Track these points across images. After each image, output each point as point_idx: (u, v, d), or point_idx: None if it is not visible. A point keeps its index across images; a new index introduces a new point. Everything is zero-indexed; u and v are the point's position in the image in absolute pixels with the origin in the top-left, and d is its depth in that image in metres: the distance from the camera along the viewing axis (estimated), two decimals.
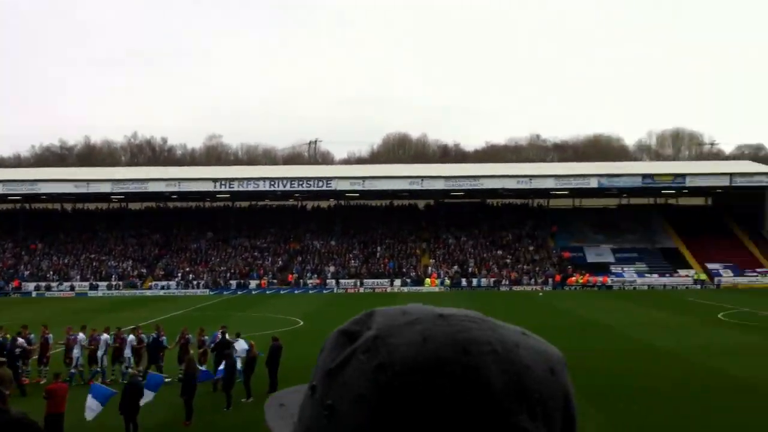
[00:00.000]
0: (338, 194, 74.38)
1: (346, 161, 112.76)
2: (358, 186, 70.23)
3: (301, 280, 66.40)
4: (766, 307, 44.42)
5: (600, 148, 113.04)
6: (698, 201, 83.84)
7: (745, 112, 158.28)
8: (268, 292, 63.19)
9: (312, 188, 70.08)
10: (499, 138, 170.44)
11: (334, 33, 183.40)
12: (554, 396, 0.90)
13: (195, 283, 65.57)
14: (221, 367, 19.81)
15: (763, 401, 18.38)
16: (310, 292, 63.33)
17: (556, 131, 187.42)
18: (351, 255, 70.76)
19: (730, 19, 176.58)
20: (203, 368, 20.91)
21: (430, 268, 68.39)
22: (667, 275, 66.82)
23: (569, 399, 0.92)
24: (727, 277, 66.04)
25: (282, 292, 63.21)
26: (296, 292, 63.29)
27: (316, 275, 67.19)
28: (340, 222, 74.91)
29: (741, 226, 75.39)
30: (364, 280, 65.71)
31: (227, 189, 70.29)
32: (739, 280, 65.52)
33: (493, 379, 0.86)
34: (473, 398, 0.84)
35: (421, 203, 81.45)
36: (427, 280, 65.75)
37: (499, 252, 71.42)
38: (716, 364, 23.82)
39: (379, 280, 66.02)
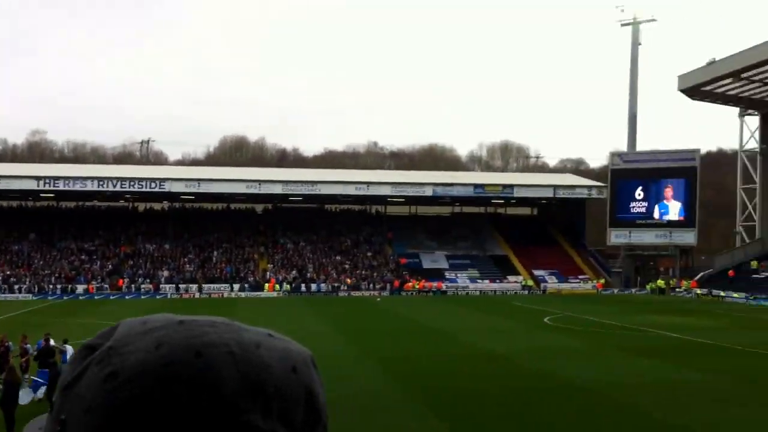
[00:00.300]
0: (172, 196, 72.13)
1: (181, 162, 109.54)
2: (193, 188, 68.46)
3: (133, 285, 63.79)
4: (587, 311, 47.21)
5: (435, 158, 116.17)
6: (525, 211, 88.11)
7: (566, 128, 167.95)
8: (96, 297, 60.20)
9: (144, 189, 67.57)
10: (338, 144, 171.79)
11: (169, 30, 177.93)
12: (295, 393, 0.93)
13: (17, 287, 61.45)
14: (42, 376, 18.77)
15: (588, 401, 19.30)
16: (143, 297, 60.93)
17: (393, 140, 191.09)
18: (186, 259, 68.76)
19: (553, 42, 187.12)
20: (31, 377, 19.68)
21: (268, 273, 67.67)
22: (498, 281, 69.69)
23: (313, 394, 0.96)
24: (552, 283, 69.75)
25: (112, 297, 60.46)
26: (128, 297, 60.70)
27: (148, 280, 64.74)
28: (173, 225, 72.60)
29: (563, 236, 79.88)
30: (203, 286, 64.05)
31: (51, 188, 66.36)
32: (563, 286, 69.37)
33: (226, 379, 0.87)
34: (205, 399, 0.85)
35: (258, 207, 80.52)
36: (266, 285, 65.02)
37: (338, 257, 71.79)
38: (544, 367, 24.80)
39: (216, 285, 64.56)
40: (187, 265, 67.69)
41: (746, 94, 66.51)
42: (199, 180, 68.81)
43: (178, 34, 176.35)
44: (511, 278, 70.63)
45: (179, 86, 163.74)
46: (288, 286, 65.03)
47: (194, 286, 63.70)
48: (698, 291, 63.81)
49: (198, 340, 0.90)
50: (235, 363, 0.89)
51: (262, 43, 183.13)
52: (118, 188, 66.89)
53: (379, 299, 60.70)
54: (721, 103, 70.66)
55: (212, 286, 64.32)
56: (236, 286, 64.49)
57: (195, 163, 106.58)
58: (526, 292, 67.62)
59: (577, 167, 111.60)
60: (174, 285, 63.86)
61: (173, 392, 0.84)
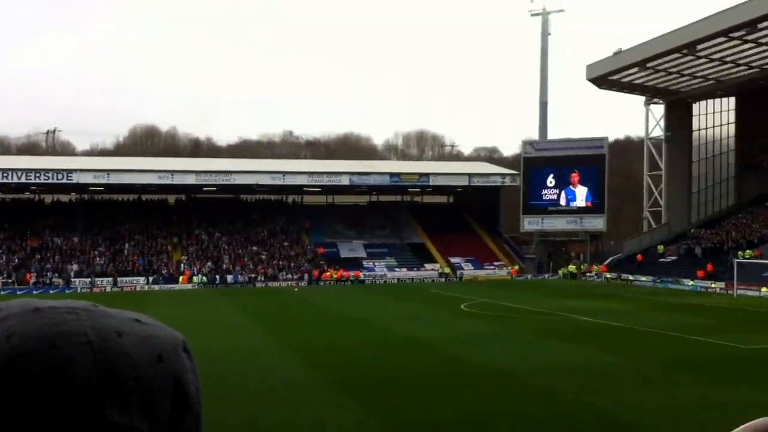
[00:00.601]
0: (80, 188, 69.82)
1: (89, 153, 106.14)
2: (103, 179, 66.40)
3: (41, 280, 61.63)
4: (502, 297, 48.08)
5: (350, 147, 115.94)
6: (441, 199, 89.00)
7: (480, 117, 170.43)
8: (3, 292, 57.88)
9: (50, 181, 65.07)
10: (252, 133, 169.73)
11: (76, 15, 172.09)
12: (161, 384, 0.86)
13: None
14: None
15: (505, 386, 19.62)
16: (52, 292, 58.96)
17: (308, 129, 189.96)
18: (96, 252, 66.78)
19: (467, 31, 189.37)
20: None
21: (182, 265, 66.41)
22: (415, 269, 70.24)
23: (182, 384, 0.90)
24: (468, 270, 70.73)
25: (20, 293, 58.24)
26: (35, 292, 58.59)
27: (57, 274, 62.65)
28: (83, 217, 70.33)
29: (479, 223, 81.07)
30: (118, 279, 62.34)
31: None
32: (479, 272, 70.43)
33: (81, 372, 0.80)
34: (58, 394, 0.78)
35: (171, 198, 78.83)
36: (180, 277, 63.81)
37: (254, 248, 71.00)
38: (461, 352, 25.12)
39: (129, 279, 62.94)
40: (98, 258, 65.78)
41: (651, 83, 68.66)
42: (108, 171, 66.84)
43: (80, 22, 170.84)
44: (428, 266, 71.26)
45: (84, 75, 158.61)
46: (204, 278, 63.98)
47: (104, 280, 61.99)
48: (608, 275, 65.79)
49: (53, 329, 0.83)
50: (92, 354, 0.82)
51: (169, 30, 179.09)
52: (23, 180, 64.26)
53: (297, 289, 60.41)
54: (627, 92, 72.75)
55: (125, 279, 62.71)
56: (150, 279, 63.06)
57: (104, 153, 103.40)
58: (443, 279, 68.39)
59: (491, 155, 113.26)
60: (86, 279, 61.96)
61: (22, 387, 0.77)
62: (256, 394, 18.90)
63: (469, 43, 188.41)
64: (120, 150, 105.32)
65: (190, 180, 68.38)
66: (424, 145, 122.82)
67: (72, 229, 69.58)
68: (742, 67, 61.40)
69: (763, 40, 54.38)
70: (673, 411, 16.68)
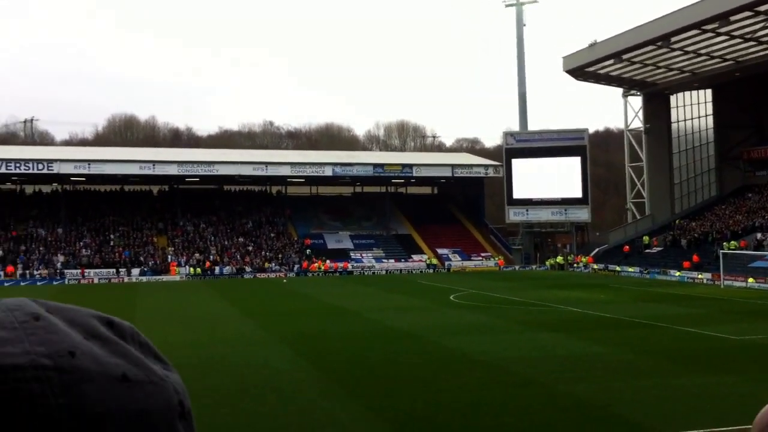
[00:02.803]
0: (61, 178, 69.18)
1: (68, 142, 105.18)
2: (84, 169, 65.71)
3: (27, 272, 61.15)
4: (491, 288, 48.27)
5: (332, 137, 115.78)
6: (425, 190, 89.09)
7: (461, 108, 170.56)
8: None
9: (31, 171, 64.31)
10: (233, 124, 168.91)
11: (46, 7, 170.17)
12: (126, 407, 0.73)
13: None
14: None
15: (494, 376, 19.68)
16: (39, 284, 58.62)
17: (289, 119, 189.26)
18: (81, 243, 66.28)
19: (447, 22, 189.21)
20: None
21: (169, 256, 66.06)
22: (403, 260, 70.33)
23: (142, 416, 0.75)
24: (456, 261, 70.92)
25: (7, 284, 57.85)
26: (23, 284, 58.26)
27: (43, 266, 62.19)
28: (65, 208, 69.74)
29: (464, 214, 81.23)
30: (105, 270, 61.96)
31: None
32: (467, 263, 70.64)
33: (37, 407, 0.68)
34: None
35: (154, 188, 78.35)
36: (170, 268, 63.57)
37: (241, 239, 70.76)
38: (450, 344, 25.17)
39: (115, 270, 62.54)
40: (83, 250, 65.29)
41: (628, 75, 68.83)
42: (89, 161, 66.17)
43: (56, 11, 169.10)
44: (415, 257, 71.35)
45: (60, 64, 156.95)
46: (193, 269, 63.66)
47: (92, 272, 61.62)
48: (595, 266, 66.15)
49: None
50: (49, 382, 0.70)
51: (146, 19, 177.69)
52: (3, 170, 63.58)
53: (285, 280, 60.31)
54: (605, 84, 72.86)
55: (112, 270, 62.33)
56: (136, 271, 62.73)
57: (83, 143, 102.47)
58: (431, 270, 68.49)
59: (473, 146, 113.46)
60: (74, 270, 61.55)
61: None
62: (247, 385, 18.87)
63: (449, 35, 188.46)
64: (99, 140, 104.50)
65: (173, 170, 67.91)
66: (406, 136, 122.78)
67: (56, 220, 69.02)
68: (717, 60, 61.74)
69: (735, 33, 54.68)
70: (663, 401, 16.78)
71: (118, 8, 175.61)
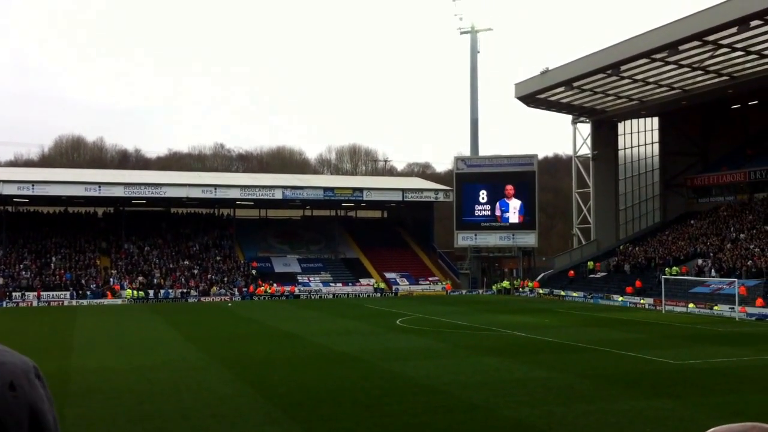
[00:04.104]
0: (4, 199, 67.61)
1: (13, 163, 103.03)
2: (27, 191, 64.51)
3: None
4: (437, 312, 48.36)
5: (283, 160, 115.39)
6: (375, 214, 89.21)
7: (413, 133, 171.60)
8: None
9: None
10: (182, 146, 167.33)
11: None
12: (14, 413, 0.78)
13: None
14: None
15: (438, 401, 19.65)
16: None
17: (240, 142, 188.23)
18: (22, 266, 64.69)
19: (400, 47, 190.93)
20: None
21: (112, 279, 64.83)
22: (350, 284, 70.12)
23: (38, 414, 0.83)
24: (404, 285, 71.00)
25: None
26: None
27: None
28: (6, 230, 68.12)
29: (413, 238, 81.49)
30: (44, 293, 60.46)
31: None
32: (414, 288, 70.75)
33: None
34: None
35: (99, 210, 77.05)
36: (110, 292, 62.27)
37: (186, 262, 69.83)
38: (396, 367, 25.14)
39: (56, 293, 61.09)
40: (23, 272, 63.73)
41: (578, 102, 70.19)
42: (33, 182, 64.97)
43: (1, 29, 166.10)
44: (363, 281, 71.21)
45: (6, 83, 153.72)
46: (135, 293, 62.55)
47: (31, 294, 60.12)
48: (540, 291, 66.80)
49: None
50: None
51: (95, 38, 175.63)
52: None
53: (230, 304, 59.62)
54: (555, 111, 74.16)
55: (51, 293, 60.91)
56: (77, 294, 61.38)
57: (28, 164, 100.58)
58: (379, 294, 68.39)
59: (424, 171, 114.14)
60: (9, 292, 59.98)
61: None
62: (188, 410, 18.54)
63: (403, 60, 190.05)
64: (45, 161, 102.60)
65: (119, 192, 66.94)
66: (358, 160, 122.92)
67: None
68: (665, 88, 63.27)
69: (684, 62, 56.17)
70: (603, 425, 16.94)
71: (67, 28, 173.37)
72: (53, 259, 66.66)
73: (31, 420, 0.81)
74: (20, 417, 0.79)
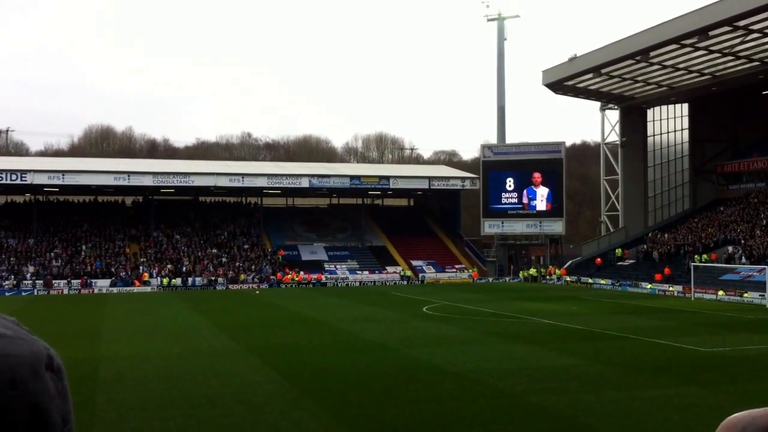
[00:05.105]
0: (35, 188, 68.56)
1: (43, 153, 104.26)
2: (58, 180, 65.37)
3: None
4: (464, 300, 48.30)
5: (310, 149, 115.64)
6: (402, 202, 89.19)
7: (439, 121, 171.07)
8: None
9: (4, 181, 63.80)
10: (210, 135, 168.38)
11: (23, 12, 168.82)
12: (11, 414, 0.74)
13: None
14: None
15: (465, 388, 19.65)
16: (7, 294, 57.91)
17: (267, 131, 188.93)
18: (52, 254, 65.58)
19: (426, 35, 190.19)
20: None
21: (141, 267, 65.50)
22: (377, 272, 70.25)
23: (41, 413, 0.77)
24: (430, 273, 70.99)
25: None
26: None
27: (13, 276, 61.41)
28: (37, 219, 69.07)
29: (440, 226, 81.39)
30: (74, 281, 61.24)
31: None
32: (441, 275, 70.71)
33: None
34: None
35: (128, 200, 77.87)
36: (138, 280, 62.96)
37: (214, 250, 70.35)
38: (422, 355, 25.11)
39: (87, 280, 61.83)
40: (54, 261, 64.60)
41: (606, 89, 69.51)
42: (63, 171, 65.80)
43: (32, 21, 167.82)
44: (390, 269, 71.29)
45: (37, 74, 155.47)
46: (165, 280, 63.15)
47: (62, 282, 60.94)
48: (568, 278, 66.44)
49: None
50: None
51: (124, 29, 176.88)
52: None
53: (258, 291, 60.01)
54: (583, 98, 73.56)
55: (69, 281, 61.61)
56: (107, 282, 62.12)
57: (58, 154, 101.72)
58: (405, 282, 68.43)
59: (451, 159, 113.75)
60: (40, 280, 60.84)
61: None
62: (215, 396, 18.69)
63: (429, 48, 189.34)
64: (75, 151, 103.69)
65: (147, 181, 67.56)
66: (384, 148, 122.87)
67: (27, 230, 68.32)
68: (694, 74, 62.47)
69: (714, 48, 55.40)
70: (631, 413, 16.84)
71: (97, 18, 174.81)
72: (83, 247, 67.46)
73: (31, 419, 0.76)
74: (16, 418, 0.75)
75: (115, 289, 61.06)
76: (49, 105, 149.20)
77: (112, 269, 64.53)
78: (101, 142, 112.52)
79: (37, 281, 60.77)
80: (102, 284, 61.70)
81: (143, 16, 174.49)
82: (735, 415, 1.21)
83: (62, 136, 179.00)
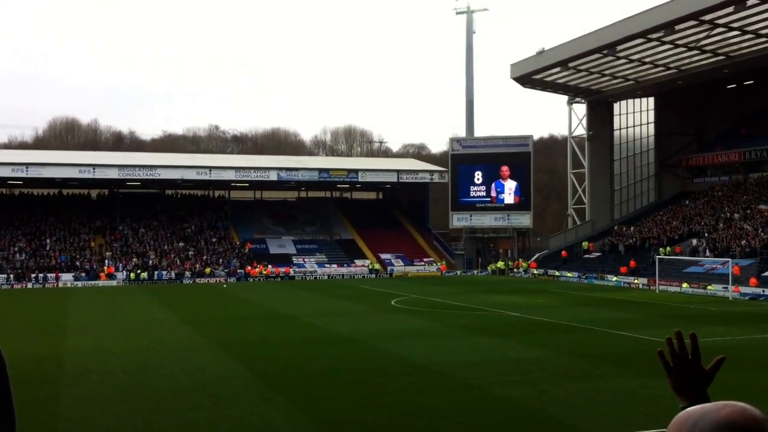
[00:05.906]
0: None
1: (7, 146, 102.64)
2: (21, 173, 64.36)
3: None
4: (432, 293, 48.48)
5: (278, 142, 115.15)
6: (370, 195, 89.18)
7: (408, 114, 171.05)
8: None
9: None
10: (177, 127, 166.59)
11: None
12: None
13: None
14: None
15: (432, 380, 19.73)
16: None
17: (235, 123, 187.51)
18: (16, 248, 64.62)
19: (394, 28, 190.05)
20: None
21: (107, 261, 64.80)
22: (345, 265, 70.21)
23: None
24: (399, 266, 71.10)
25: None
26: None
27: None
28: (1, 212, 68.00)
29: (408, 219, 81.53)
30: (40, 275, 60.43)
31: None
32: (409, 268, 70.83)
33: None
34: None
35: (93, 193, 76.90)
36: (103, 274, 62.27)
37: (181, 244, 69.80)
38: (390, 348, 25.18)
39: (51, 275, 61.06)
40: (18, 255, 63.66)
41: (574, 82, 69.94)
42: (27, 164, 64.78)
43: None
44: (358, 262, 71.29)
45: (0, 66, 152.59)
46: (131, 274, 62.55)
47: (52, 276, 60.17)
48: (535, 271, 66.93)
49: None
50: None
51: (88, 19, 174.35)
52: None
53: (225, 285, 59.68)
54: (551, 91, 73.90)
55: (47, 275, 60.87)
56: (71, 275, 61.39)
57: (22, 146, 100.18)
58: (374, 275, 68.48)
59: (419, 152, 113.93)
60: (5, 275, 59.96)
61: None
62: (182, 391, 18.58)
63: (398, 41, 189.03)
64: (39, 143, 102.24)
65: (113, 174, 66.80)
66: (353, 141, 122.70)
67: None
68: (661, 68, 63.08)
69: (680, 42, 56.00)
70: (596, 404, 17.03)
71: (61, 11, 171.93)
72: (48, 241, 66.58)
73: None
74: None
75: (79, 283, 60.34)
76: (12, 97, 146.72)
77: (77, 263, 63.76)
78: (66, 135, 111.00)
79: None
80: (66, 278, 60.99)
81: (109, 9, 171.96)
82: (687, 410, 1.21)
83: (26, 128, 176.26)
